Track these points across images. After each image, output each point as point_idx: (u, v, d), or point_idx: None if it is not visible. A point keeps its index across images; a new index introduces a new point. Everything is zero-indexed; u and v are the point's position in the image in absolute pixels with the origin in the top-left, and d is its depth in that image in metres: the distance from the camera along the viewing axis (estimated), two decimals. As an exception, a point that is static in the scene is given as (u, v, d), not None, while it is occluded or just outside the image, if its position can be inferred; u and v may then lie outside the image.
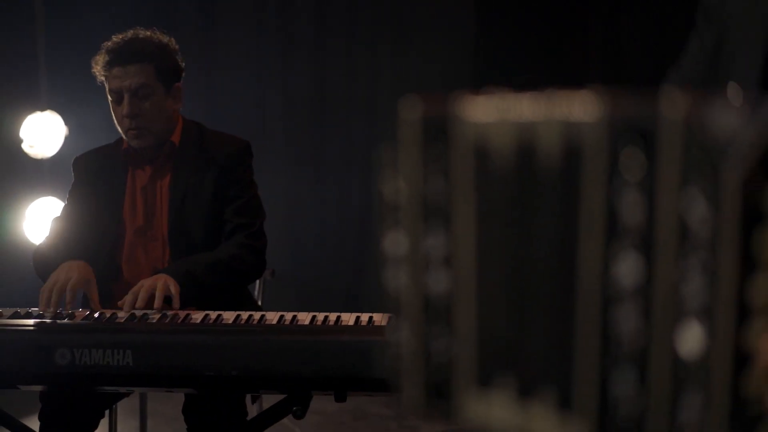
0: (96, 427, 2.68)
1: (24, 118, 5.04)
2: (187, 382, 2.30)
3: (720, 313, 0.66)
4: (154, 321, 2.36)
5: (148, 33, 2.81)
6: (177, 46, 2.85)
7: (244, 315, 2.40)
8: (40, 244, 2.85)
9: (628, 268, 0.73)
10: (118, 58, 2.72)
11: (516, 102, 0.83)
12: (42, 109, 5.08)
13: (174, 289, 2.48)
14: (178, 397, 2.71)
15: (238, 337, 2.25)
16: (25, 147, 5.03)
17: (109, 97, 2.76)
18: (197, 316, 2.38)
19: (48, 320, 2.37)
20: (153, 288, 2.46)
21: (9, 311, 2.44)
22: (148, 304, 2.44)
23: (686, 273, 0.69)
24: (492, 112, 0.86)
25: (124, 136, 2.79)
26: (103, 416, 2.76)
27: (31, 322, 2.35)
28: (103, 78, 2.76)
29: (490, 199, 0.87)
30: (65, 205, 2.90)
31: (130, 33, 2.79)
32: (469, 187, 0.88)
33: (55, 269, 2.54)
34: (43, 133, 5.03)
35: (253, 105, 5.58)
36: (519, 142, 0.84)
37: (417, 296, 0.92)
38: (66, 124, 5.07)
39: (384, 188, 0.94)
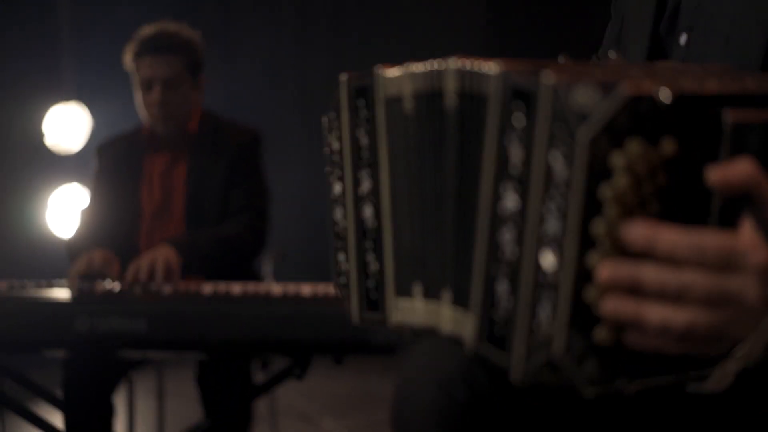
0: (114, 391, 2.86)
1: (47, 109, 5.21)
2: (196, 346, 2.47)
3: (568, 242, 0.85)
4: (167, 292, 2.53)
5: (178, 27, 3.03)
6: (203, 41, 3.07)
7: (251, 287, 2.56)
8: (71, 236, 3.06)
9: (509, 201, 0.92)
10: (150, 48, 2.94)
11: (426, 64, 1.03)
12: (66, 100, 5.24)
13: (174, 260, 2.65)
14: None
15: (245, 306, 2.42)
16: (48, 141, 5.15)
17: (137, 84, 2.97)
18: (207, 288, 2.55)
19: (69, 291, 2.54)
20: (154, 261, 2.64)
21: (32, 283, 2.61)
22: (152, 275, 2.62)
23: (548, 209, 0.87)
24: (401, 71, 1.07)
25: (147, 122, 3.00)
26: (120, 384, 2.94)
27: (53, 292, 2.53)
28: (132, 66, 2.97)
29: (399, 141, 1.09)
30: (90, 193, 3.12)
31: (161, 25, 3.01)
32: (383, 132, 1.10)
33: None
34: (67, 125, 5.18)
35: (269, 94, 5.75)
36: (421, 90, 1.04)
37: (353, 227, 1.15)
38: (92, 115, 5.24)
39: (327, 145, 1.18)
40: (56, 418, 2.80)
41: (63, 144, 5.18)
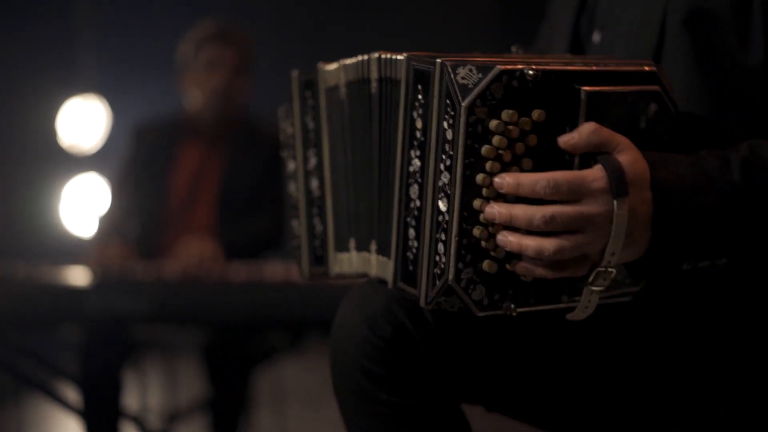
0: (125, 369, 3.03)
1: (62, 103, 5.24)
2: (199, 322, 2.67)
3: (455, 190, 1.08)
4: (174, 274, 2.71)
5: (238, 28, 3.30)
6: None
7: (252, 269, 2.74)
8: (103, 215, 3.30)
9: (415, 163, 1.15)
10: (223, 35, 3.18)
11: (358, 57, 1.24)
12: (82, 93, 5.29)
13: (212, 252, 2.88)
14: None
15: (246, 286, 2.60)
16: (63, 136, 5.25)
17: (197, 66, 3.18)
18: (213, 271, 2.73)
19: (82, 273, 2.71)
20: (195, 254, 2.87)
21: (46, 267, 2.80)
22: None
23: (441, 166, 1.09)
24: (338, 64, 1.28)
25: (192, 106, 3.21)
26: (131, 362, 3.13)
27: (66, 275, 2.68)
28: (191, 51, 3.19)
29: (337, 123, 1.31)
30: (122, 174, 3.31)
31: (224, 22, 3.30)
32: (324, 117, 1.33)
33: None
34: (83, 119, 5.21)
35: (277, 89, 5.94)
36: (352, 79, 1.26)
37: (303, 198, 1.38)
38: (111, 109, 5.27)
39: (283, 130, 1.41)
40: (70, 395, 2.99)
41: (79, 138, 5.25)
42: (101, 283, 2.60)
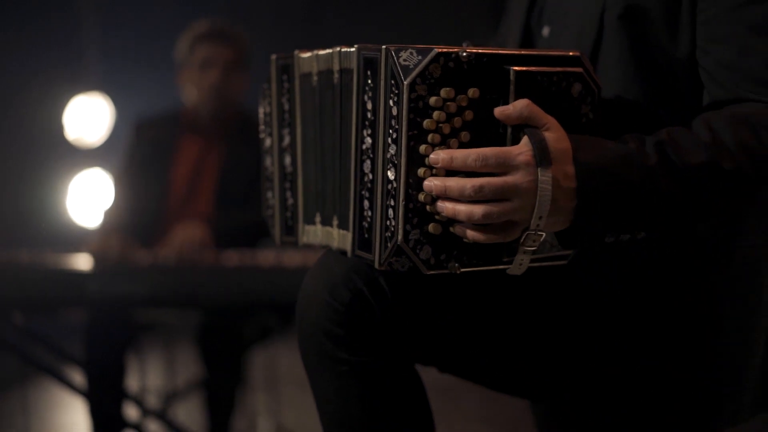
0: (127, 352, 3.16)
1: (68, 101, 5.40)
2: (195, 305, 2.79)
3: (401, 161, 1.21)
4: (171, 260, 2.84)
5: (233, 26, 3.41)
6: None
7: (245, 255, 2.86)
8: (107, 208, 3.42)
9: (367, 140, 1.28)
10: (215, 33, 3.32)
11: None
12: (87, 91, 5.44)
13: (204, 238, 3.02)
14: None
15: (240, 272, 2.72)
16: (69, 132, 5.41)
17: (193, 64, 3.32)
18: (208, 257, 2.86)
19: (85, 259, 2.84)
20: (186, 239, 3.00)
21: (51, 253, 2.93)
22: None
23: (389, 140, 1.23)
24: (311, 54, 1.42)
25: (192, 103, 3.36)
26: (132, 345, 3.25)
27: (70, 261, 2.80)
28: (187, 50, 3.33)
29: (308, 107, 1.44)
30: (125, 168, 3.44)
31: (218, 20, 3.40)
32: (297, 100, 1.46)
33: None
34: (88, 117, 5.36)
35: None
36: (322, 69, 1.39)
37: (277, 172, 1.51)
38: (115, 106, 5.41)
39: (262, 109, 1.54)
40: (74, 377, 3.13)
41: (84, 135, 5.40)
42: (103, 269, 2.72)
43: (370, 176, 1.28)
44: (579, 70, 1.28)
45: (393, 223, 1.24)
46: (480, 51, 1.23)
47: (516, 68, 1.23)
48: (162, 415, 3.21)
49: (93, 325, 3.07)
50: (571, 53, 1.29)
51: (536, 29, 1.58)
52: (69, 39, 5.88)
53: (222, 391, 3.24)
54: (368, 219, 1.29)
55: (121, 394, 3.09)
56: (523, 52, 1.26)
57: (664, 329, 1.42)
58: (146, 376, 3.59)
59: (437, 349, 1.42)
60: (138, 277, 2.70)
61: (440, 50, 1.20)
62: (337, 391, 1.35)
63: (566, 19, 1.49)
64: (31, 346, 3.08)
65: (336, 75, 1.35)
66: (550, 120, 1.21)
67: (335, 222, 1.39)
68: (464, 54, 1.21)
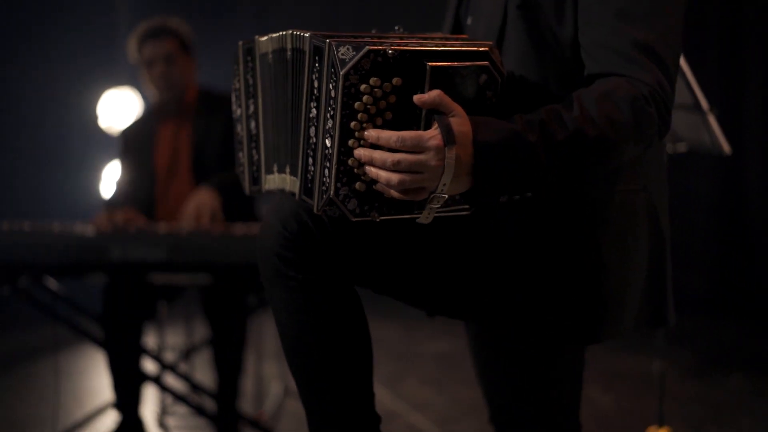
0: (145, 314, 3.50)
1: (102, 93, 5.90)
2: (205, 269, 3.11)
3: (336, 133, 1.52)
4: (182, 229, 3.18)
5: (166, 18, 3.78)
6: (189, 27, 3.79)
7: (251, 226, 3.19)
8: (109, 198, 3.79)
9: (313, 111, 1.58)
10: (150, 35, 3.69)
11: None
12: (119, 85, 5.94)
13: (216, 203, 3.35)
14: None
15: (246, 240, 3.04)
16: (101, 123, 5.87)
17: (143, 66, 3.71)
18: (215, 228, 3.19)
19: (105, 229, 3.19)
20: (201, 205, 3.34)
21: (78, 223, 3.27)
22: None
23: (328, 115, 1.53)
24: (268, 37, 1.73)
25: (155, 96, 3.73)
26: (150, 309, 3.59)
27: (94, 229, 3.16)
28: (137, 55, 3.71)
29: (267, 80, 1.76)
30: (120, 165, 3.86)
31: (155, 19, 3.75)
32: (258, 75, 1.78)
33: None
34: (118, 108, 5.86)
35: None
36: (276, 48, 1.70)
37: (245, 135, 1.83)
38: (143, 99, 5.84)
39: (233, 85, 1.86)
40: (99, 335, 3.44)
41: (115, 124, 5.86)
42: (122, 236, 3.04)
43: (314, 140, 1.58)
44: (485, 63, 1.57)
45: (328, 181, 1.55)
46: (403, 48, 1.52)
47: (431, 63, 1.53)
48: (178, 371, 3.55)
49: (113, 287, 3.42)
50: (480, 49, 1.58)
51: (463, 19, 1.90)
52: (104, 40, 6.36)
53: (228, 352, 3.55)
54: (311, 173, 1.60)
55: (139, 351, 3.41)
56: (440, 49, 1.55)
57: (558, 259, 1.73)
58: (163, 334, 3.93)
59: (369, 272, 1.73)
60: (154, 243, 3.01)
61: (371, 48, 1.50)
62: (287, 302, 1.67)
63: (482, 11, 1.82)
64: (60, 305, 3.35)
65: (289, 53, 1.66)
66: (456, 107, 1.52)
67: (288, 169, 1.71)
68: (390, 51, 1.51)
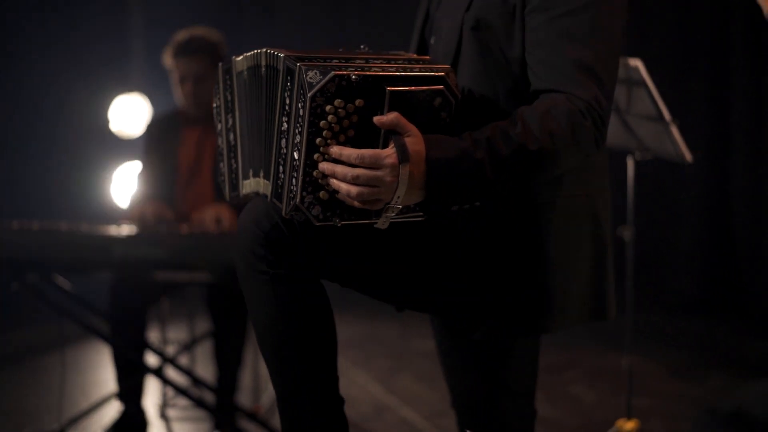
0: (149, 309, 3.67)
1: (113, 99, 6.10)
2: (205, 267, 3.27)
3: (303, 147, 1.68)
4: (183, 231, 3.34)
5: (205, 31, 3.90)
6: (225, 41, 3.91)
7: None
8: (133, 194, 3.97)
9: (284, 125, 1.75)
10: (184, 50, 3.82)
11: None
12: (129, 91, 6.14)
13: (230, 216, 3.53)
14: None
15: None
16: (112, 127, 6.10)
17: (175, 78, 3.86)
18: (213, 229, 3.36)
19: (109, 229, 3.31)
20: (218, 215, 3.52)
21: (85, 223, 3.41)
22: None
23: (297, 131, 1.70)
24: (244, 56, 1.90)
25: (183, 105, 3.88)
26: (154, 304, 3.77)
27: (100, 229, 3.28)
28: (172, 64, 3.86)
29: (243, 95, 1.92)
30: (143, 158, 4.01)
31: (191, 31, 3.88)
32: (236, 92, 1.94)
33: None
34: (129, 113, 6.06)
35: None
36: (251, 65, 1.87)
37: (225, 146, 2.00)
38: (153, 105, 6.08)
39: (214, 102, 2.02)
40: (104, 329, 3.62)
41: (125, 128, 6.10)
42: (127, 236, 3.20)
43: (285, 150, 1.75)
44: (440, 87, 1.73)
45: (295, 189, 1.72)
46: (366, 74, 1.68)
47: (390, 88, 1.70)
48: (179, 365, 3.72)
49: (119, 284, 3.58)
50: (437, 74, 1.74)
51: (428, 39, 2.08)
52: (117, 49, 6.60)
53: (228, 347, 3.73)
54: (281, 179, 1.77)
55: (143, 344, 3.58)
56: (399, 74, 1.71)
57: (508, 257, 1.91)
58: (165, 329, 4.11)
59: (335, 268, 1.90)
60: (157, 243, 3.19)
61: (336, 73, 1.66)
62: (259, 294, 1.85)
63: (442, 32, 2.00)
64: (67, 300, 3.54)
65: (263, 69, 1.83)
66: (411, 128, 1.70)
67: (261, 174, 1.88)
68: (353, 77, 1.67)
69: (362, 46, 1.91)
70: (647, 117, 3.07)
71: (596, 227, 1.97)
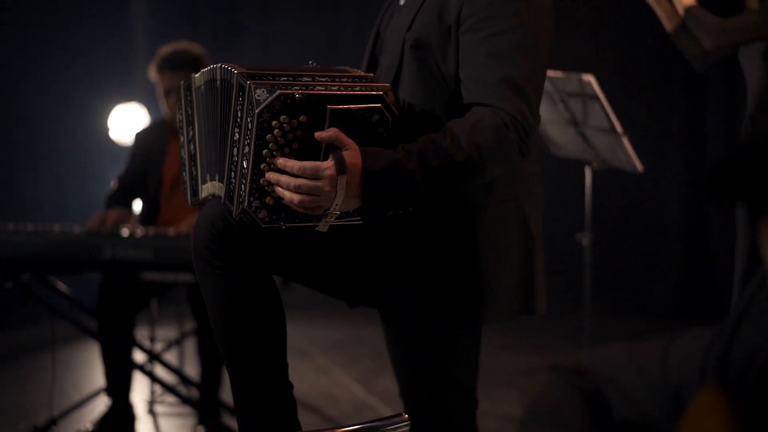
0: (137, 309, 3.83)
1: (113, 108, 6.34)
2: (186, 268, 3.45)
3: (251, 158, 1.85)
4: (165, 233, 3.53)
5: (188, 45, 4.07)
6: (209, 56, 4.07)
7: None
8: (110, 192, 4.15)
9: (236, 136, 1.91)
10: (169, 65, 3.99)
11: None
12: (128, 101, 6.37)
13: None
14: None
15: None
16: (111, 135, 6.32)
17: (160, 91, 4.04)
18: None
19: (97, 232, 3.54)
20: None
21: (76, 226, 3.61)
22: None
23: (247, 142, 1.86)
24: (202, 72, 2.07)
25: (168, 116, 4.05)
26: (142, 305, 3.91)
27: (86, 231, 3.52)
28: (157, 77, 4.03)
29: (201, 108, 2.09)
30: (128, 163, 4.19)
31: (175, 45, 4.05)
32: (194, 105, 2.10)
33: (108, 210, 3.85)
34: (128, 121, 6.28)
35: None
36: (207, 79, 2.04)
37: (187, 156, 2.15)
38: (151, 115, 6.31)
39: (178, 116, 2.18)
40: (91, 325, 3.78)
41: (123, 135, 6.32)
42: (116, 238, 3.39)
43: (236, 158, 1.91)
44: (378, 105, 1.90)
45: (243, 195, 1.89)
46: (309, 92, 1.85)
47: (331, 106, 1.86)
48: (166, 362, 3.89)
49: (108, 284, 3.75)
50: (376, 93, 1.91)
51: (378, 57, 2.26)
52: (117, 60, 6.82)
53: (211, 345, 3.82)
54: (233, 184, 1.93)
55: (131, 342, 3.75)
56: (340, 93, 1.88)
57: (443, 256, 2.08)
58: (151, 327, 4.28)
59: (283, 263, 2.07)
60: (144, 244, 3.38)
61: (282, 92, 1.82)
62: (213, 286, 2.01)
63: (387, 50, 2.18)
64: (58, 299, 3.74)
65: (218, 82, 2.00)
66: (349, 142, 1.86)
67: (217, 177, 2.04)
68: (297, 95, 1.84)
69: (311, 62, 2.08)
70: (601, 129, 3.24)
71: (525, 229, 2.14)
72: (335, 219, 1.90)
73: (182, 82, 2.17)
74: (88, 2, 6.90)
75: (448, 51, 2.05)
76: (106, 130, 6.37)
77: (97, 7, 6.96)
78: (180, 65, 3.95)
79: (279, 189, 1.87)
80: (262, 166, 1.87)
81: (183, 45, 4.06)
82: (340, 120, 1.88)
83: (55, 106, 6.59)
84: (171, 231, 3.54)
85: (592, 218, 3.55)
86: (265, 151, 1.87)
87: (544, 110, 3.37)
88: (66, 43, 6.64)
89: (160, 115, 4.34)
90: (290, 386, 2.09)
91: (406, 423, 1.82)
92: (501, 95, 1.95)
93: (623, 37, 6.22)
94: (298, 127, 1.87)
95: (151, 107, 6.29)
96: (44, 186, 6.46)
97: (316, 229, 1.93)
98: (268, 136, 1.85)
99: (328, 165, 1.85)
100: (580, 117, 3.26)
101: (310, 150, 1.88)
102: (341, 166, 1.84)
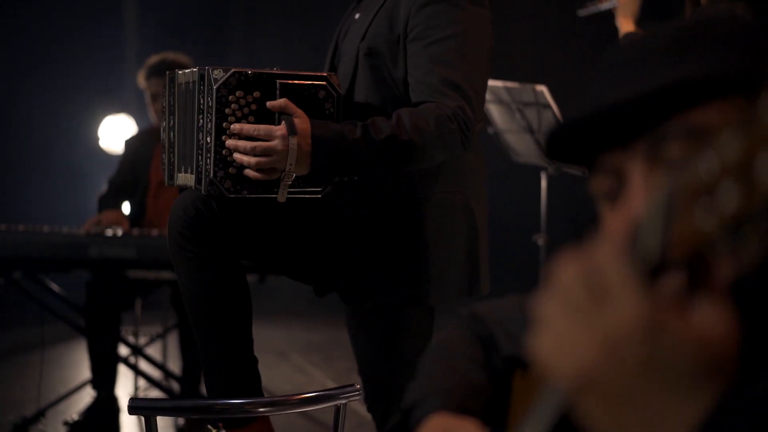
0: (124, 307, 4.06)
1: (103, 118, 6.59)
2: (168, 266, 3.63)
3: (213, 133, 2.11)
4: (150, 233, 3.75)
5: (176, 55, 4.31)
6: (193, 64, 4.23)
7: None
8: (101, 193, 4.37)
9: (203, 121, 2.15)
10: (155, 71, 4.22)
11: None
12: (117, 112, 6.62)
13: None
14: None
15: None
16: (101, 144, 6.57)
17: (148, 97, 4.27)
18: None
19: (86, 231, 3.74)
20: None
21: (65, 227, 3.83)
22: None
23: (210, 121, 2.12)
24: (185, 71, 2.29)
25: (156, 122, 4.28)
26: (129, 302, 4.15)
27: (76, 231, 3.71)
28: (145, 84, 4.26)
29: (180, 101, 2.31)
30: (118, 167, 4.42)
31: (164, 54, 4.30)
32: (175, 99, 2.32)
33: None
34: (117, 131, 6.52)
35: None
36: (189, 79, 2.25)
37: (167, 144, 2.37)
38: (137, 124, 6.52)
39: (162, 107, 2.40)
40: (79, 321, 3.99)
41: (113, 145, 6.56)
42: (102, 238, 3.60)
43: (202, 141, 2.14)
44: (323, 83, 2.16)
45: (209, 167, 2.11)
46: (261, 71, 2.12)
47: (281, 81, 2.13)
48: (149, 357, 4.10)
49: (95, 282, 3.96)
50: (320, 74, 2.18)
51: (337, 65, 2.49)
52: (106, 75, 7.05)
53: (192, 341, 4.02)
54: (200, 167, 2.15)
55: (116, 338, 3.96)
56: (289, 72, 2.15)
57: (393, 243, 2.30)
58: (136, 322, 4.47)
59: (249, 248, 2.29)
60: (129, 244, 3.61)
61: (236, 70, 2.09)
62: (187, 269, 2.22)
63: (345, 58, 2.41)
64: (47, 296, 3.96)
65: (191, 84, 2.21)
66: (299, 111, 2.10)
67: (189, 170, 2.25)
68: (250, 72, 2.10)
69: (275, 68, 2.31)
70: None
71: (469, 218, 2.35)
72: (292, 188, 2.12)
73: (167, 73, 2.38)
74: (80, 18, 7.16)
75: (397, 58, 2.28)
76: (97, 139, 6.61)
77: (89, 23, 7.22)
78: (166, 72, 4.14)
79: (237, 155, 2.10)
80: (224, 137, 2.11)
81: (170, 54, 4.30)
82: (290, 93, 2.14)
83: (48, 117, 6.85)
84: (154, 231, 3.73)
85: (547, 220, 3.77)
86: (225, 124, 2.11)
87: (503, 120, 3.61)
88: (59, 56, 6.90)
89: (148, 125, 4.55)
90: (255, 360, 2.30)
91: (356, 392, 2.01)
92: (443, 94, 2.17)
93: (574, 49, 6.45)
94: (253, 102, 2.13)
95: (139, 118, 6.52)
96: (36, 193, 6.71)
97: (277, 199, 2.14)
98: (227, 110, 2.10)
99: (279, 127, 2.09)
100: (535, 125, 3.48)
101: (265, 122, 2.12)
102: (291, 128, 2.07)
